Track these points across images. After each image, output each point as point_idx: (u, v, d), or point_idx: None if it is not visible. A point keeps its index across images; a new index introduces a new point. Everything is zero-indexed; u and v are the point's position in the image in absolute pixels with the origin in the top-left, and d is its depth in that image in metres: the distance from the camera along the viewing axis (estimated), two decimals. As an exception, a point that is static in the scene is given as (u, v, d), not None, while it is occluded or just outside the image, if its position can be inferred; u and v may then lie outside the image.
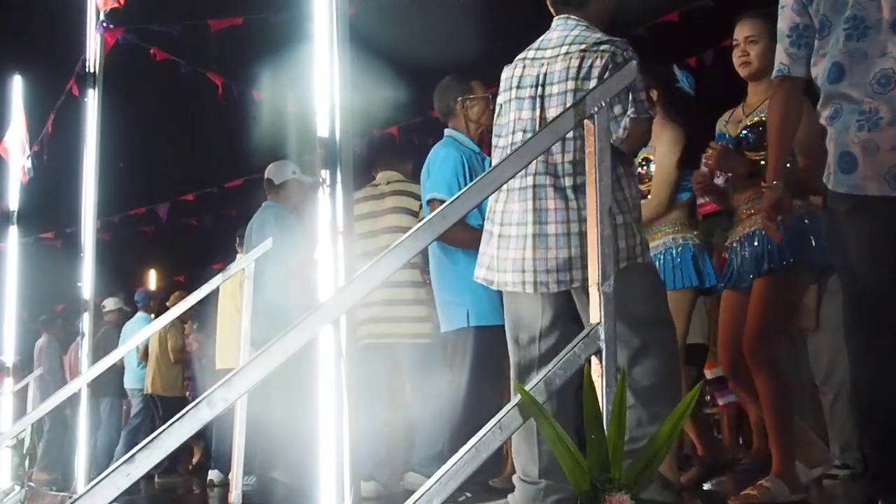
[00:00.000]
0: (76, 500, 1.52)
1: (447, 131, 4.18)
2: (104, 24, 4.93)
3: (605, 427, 1.88)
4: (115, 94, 5.16)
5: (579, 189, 2.71)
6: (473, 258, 3.86)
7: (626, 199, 2.82)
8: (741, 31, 3.44)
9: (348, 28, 2.27)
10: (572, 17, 2.95)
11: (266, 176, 5.40)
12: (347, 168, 2.19)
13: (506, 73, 2.99)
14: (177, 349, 8.22)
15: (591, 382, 1.93)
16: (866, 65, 2.47)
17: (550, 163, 2.77)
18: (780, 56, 2.66)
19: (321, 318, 1.84)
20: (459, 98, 4.14)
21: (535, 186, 2.78)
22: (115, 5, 4.88)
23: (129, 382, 8.55)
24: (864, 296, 2.48)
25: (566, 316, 2.87)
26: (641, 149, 3.11)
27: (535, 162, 2.64)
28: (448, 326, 3.98)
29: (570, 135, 2.70)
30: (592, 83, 2.72)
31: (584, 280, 2.63)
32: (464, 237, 3.74)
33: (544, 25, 3.07)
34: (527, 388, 1.92)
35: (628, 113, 2.76)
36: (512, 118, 2.91)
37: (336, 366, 2.04)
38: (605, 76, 2.70)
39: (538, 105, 2.84)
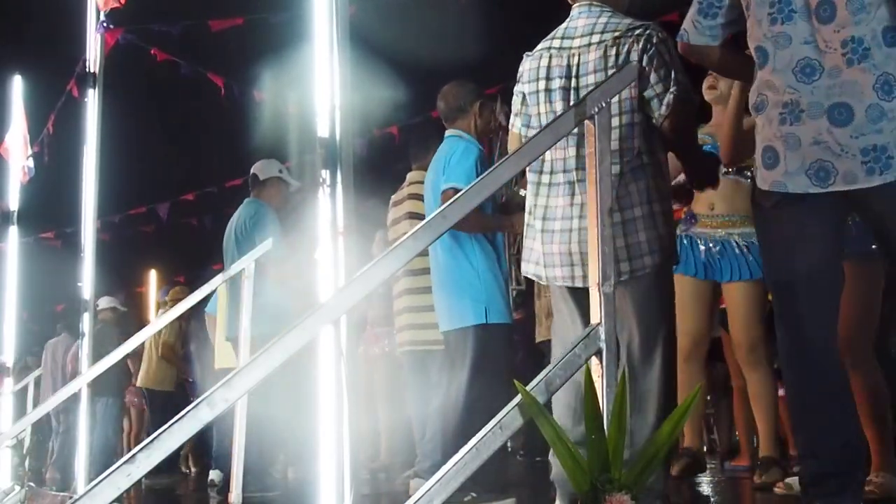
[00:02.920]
0: (76, 500, 1.52)
1: (453, 131, 4.15)
2: (104, 25, 4.92)
3: (605, 427, 1.88)
4: (115, 95, 5.15)
5: (619, 180, 2.68)
6: (488, 254, 3.87)
7: (663, 187, 2.79)
8: None
9: (348, 28, 2.27)
10: (594, 4, 2.87)
11: (252, 171, 5.40)
12: (347, 168, 2.19)
13: (529, 63, 2.90)
14: (167, 345, 8.21)
15: (592, 382, 1.93)
16: (790, 51, 2.38)
17: (582, 156, 2.70)
18: (686, 22, 2.65)
19: (321, 318, 1.84)
20: (478, 101, 4.15)
21: (577, 181, 2.75)
22: (116, 5, 4.88)
23: None
24: (785, 292, 2.44)
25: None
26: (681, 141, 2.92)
27: (572, 157, 2.70)
28: (458, 323, 3.87)
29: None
30: None
31: (631, 272, 2.67)
32: (482, 223, 3.77)
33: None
34: (527, 388, 1.92)
35: (671, 90, 2.71)
36: (543, 110, 2.85)
37: (336, 366, 2.04)
38: (645, 59, 2.69)
39: (571, 96, 2.79)
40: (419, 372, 4.50)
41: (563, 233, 2.75)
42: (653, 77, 2.72)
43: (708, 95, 3.97)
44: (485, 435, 1.86)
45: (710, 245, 3.92)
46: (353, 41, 2.27)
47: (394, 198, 4.80)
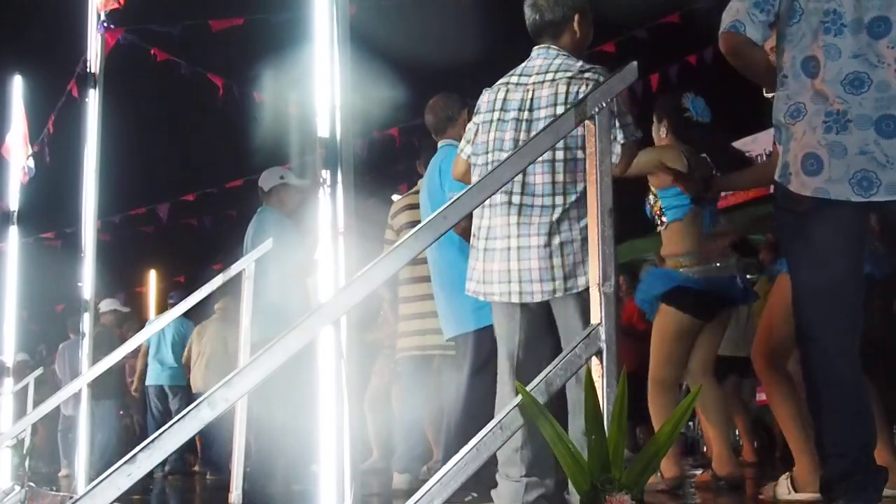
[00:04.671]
0: (76, 500, 1.52)
1: (446, 141, 4.18)
2: (105, 25, 4.92)
3: (605, 427, 1.88)
4: (115, 95, 5.15)
5: (557, 207, 2.89)
6: None
7: None
8: None
9: (348, 28, 2.27)
10: (552, 46, 3.07)
11: (259, 183, 5.43)
12: (348, 168, 2.19)
13: (487, 95, 3.11)
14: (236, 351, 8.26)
15: (592, 382, 1.93)
16: (839, 63, 2.43)
17: (528, 182, 2.91)
18: (739, 14, 2.54)
19: (321, 318, 1.84)
20: (465, 109, 4.16)
21: (520, 205, 2.92)
22: (115, 6, 4.88)
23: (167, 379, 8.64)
24: (814, 297, 2.47)
25: (542, 327, 3.02)
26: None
27: (513, 182, 2.79)
28: (467, 327, 3.91)
29: (548, 156, 2.85)
30: None
31: (566, 290, 2.85)
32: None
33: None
34: (527, 388, 1.92)
35: (618, 139, 2.91)
36: (492, 137, 3.03)
37: (336, 366, 2.04)
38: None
39: (522, 128, 2.98)
40: (420, 376, 4.52)
41: (503, 251, 2.93)
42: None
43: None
44: (485, 435, 1.86)
45: None
46: (353, 41, 2.27)
47: (408, 201, 4.76)
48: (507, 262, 2.92)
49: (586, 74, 2.94)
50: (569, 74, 2.96)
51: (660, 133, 4.17)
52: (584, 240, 2.84)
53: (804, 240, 2.50)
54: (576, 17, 3.08)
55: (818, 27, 2.47)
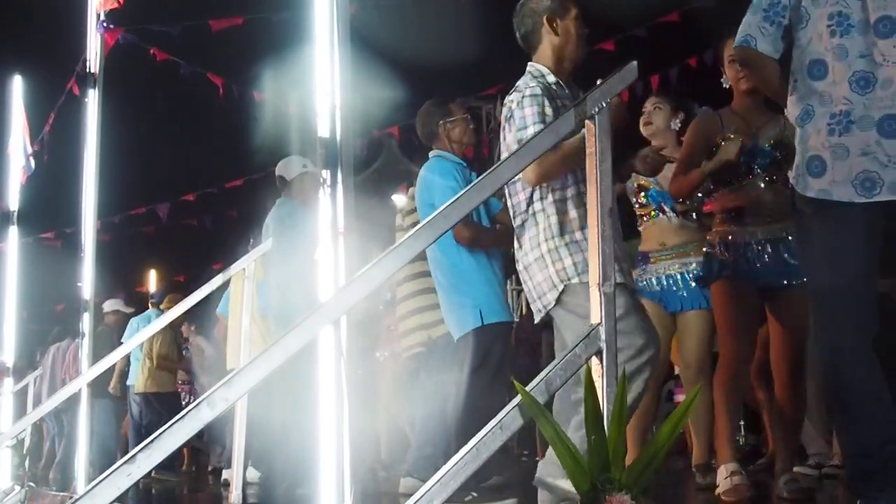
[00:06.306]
0: (76, 500, 1.52)
1: (435, 152, 4.21)
2: (104, 25, 4.92)
3: (605, 427, 1.88)
4: (115, 95, 5.15)
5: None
6: (476, 255, 3.89)
7: (571, 220, 2.85)
8: None
9: (348, 28, 2.27)
10: (530, 62, 3.04)
11: (277, 173, 5.30)
12: (348, 168, 2.19)
13: None
14: (161, 356, 8.18)
15: (592, 382, 1.93)
16: (846, 63, 2.45)
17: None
18: (751, 28, 2.61)
19: (321, 318, 1.84)
20: (441, 122, 4.19)
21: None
22: (114, 6, 4.87)
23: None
24: (825, 298, 2.48)
25: None
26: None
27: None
28: (461, 330, 3.91)
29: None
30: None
31: (555, 302, 2.79)
32: (487, 239, 3.95)
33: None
34: (527, 388, 1.92)
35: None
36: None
37: (336, 366, 2.04)
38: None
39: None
40: (430, 372, 4.51)
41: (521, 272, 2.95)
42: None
43: (645, 131, 4.18)
44: (485, 435, 1.86)
45: (665, 281, 4.07)
46: (353, 41, 2.27)
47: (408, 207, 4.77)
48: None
49: (509, 97, 2.94)
50: (510, 96, 2.94)
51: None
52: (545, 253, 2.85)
53: (812, 241, 2.53)
54: (545, 22, 2.99)
55: (825, 31, 2.50)
